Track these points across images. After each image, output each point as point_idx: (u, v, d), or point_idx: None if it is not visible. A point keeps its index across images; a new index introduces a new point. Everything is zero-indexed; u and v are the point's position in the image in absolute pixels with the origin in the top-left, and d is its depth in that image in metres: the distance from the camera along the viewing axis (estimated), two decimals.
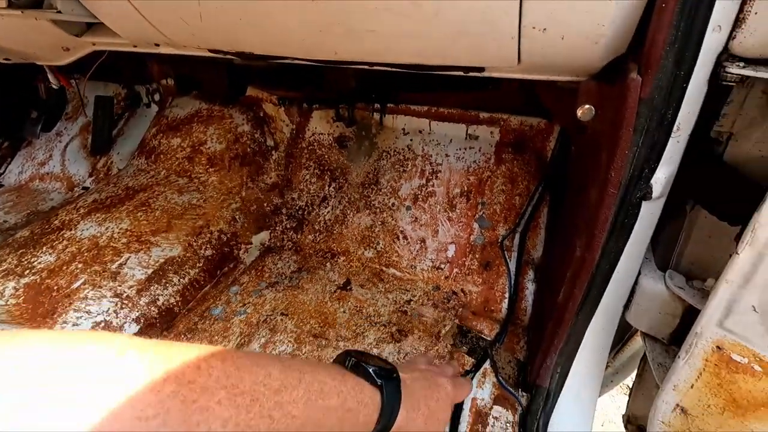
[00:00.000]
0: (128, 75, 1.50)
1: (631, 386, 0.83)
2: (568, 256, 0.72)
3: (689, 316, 0.65)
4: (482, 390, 0.80)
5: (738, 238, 0.50)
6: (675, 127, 0.51)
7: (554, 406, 0.76)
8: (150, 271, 0.97)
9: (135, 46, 0.92)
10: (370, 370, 0.43)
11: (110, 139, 1.45)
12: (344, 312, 0.97)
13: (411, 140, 1.18)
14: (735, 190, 0.53)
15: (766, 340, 0.46)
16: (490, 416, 0.75)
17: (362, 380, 0.43)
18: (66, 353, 0.28)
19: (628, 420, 0.80)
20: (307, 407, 0.36)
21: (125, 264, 0.97)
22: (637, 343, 0.87)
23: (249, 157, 1.26)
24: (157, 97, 1.51)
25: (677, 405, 0.57)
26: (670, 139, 0.52)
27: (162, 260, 1.00)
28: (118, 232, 1.04)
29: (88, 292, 0.91)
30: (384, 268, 1.09)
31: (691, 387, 0.55)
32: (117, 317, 0.89)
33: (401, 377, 0.47)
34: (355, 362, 0.45)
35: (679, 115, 0.50)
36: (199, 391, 0.30)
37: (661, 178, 0.55)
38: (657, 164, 0.53)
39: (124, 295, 0.92)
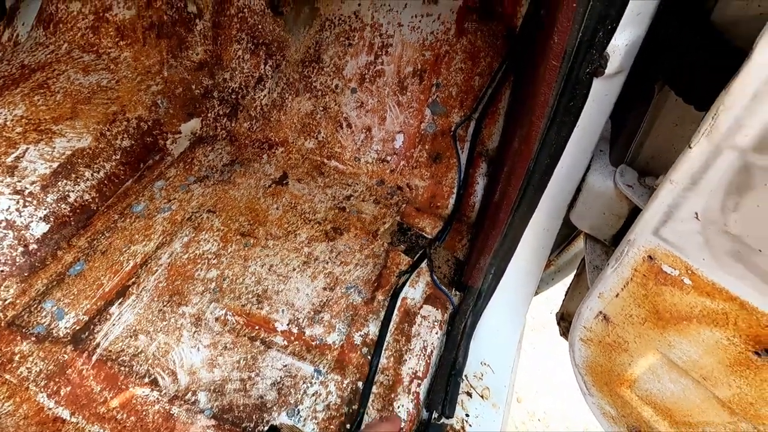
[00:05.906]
0: None
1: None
2: (512, 148, 0.62)
3: (635, 216, 0.57)
4: (414, 290, 0.76)
5: None
6: None
7: (485, 306, 0.73)
8: (55, 165, 0.86)
9: None
10: None
11: (1, 4, 1.20)
12: (277, 209, 0.89)
13: (359, 5, 0.97)
14: (712, 62, 0.40)
15: (704, 252, 0.38)
16: (419, 315, 0.73)
17: None
18: None
19: (562, 317, 0.79)
20: None
21: (23, 157, 0.85)
22: (582, 242, 0.82)
23: (168, 28, 1.05)
24: None
25: (600, 312, 0.53)
26: None
27: (69, 152, 0.88)
28: (12, 120, 0.89)
29: None
30: (325, 160, 0.98)
31: (616, 296, 0.49)
32: (21, 216, 0.81)
33: None
34: None
35: None
36: None
37: (621, 45, 0.42)
38: (616, 25, 0.39)
39: (27, 191, 0.82)
